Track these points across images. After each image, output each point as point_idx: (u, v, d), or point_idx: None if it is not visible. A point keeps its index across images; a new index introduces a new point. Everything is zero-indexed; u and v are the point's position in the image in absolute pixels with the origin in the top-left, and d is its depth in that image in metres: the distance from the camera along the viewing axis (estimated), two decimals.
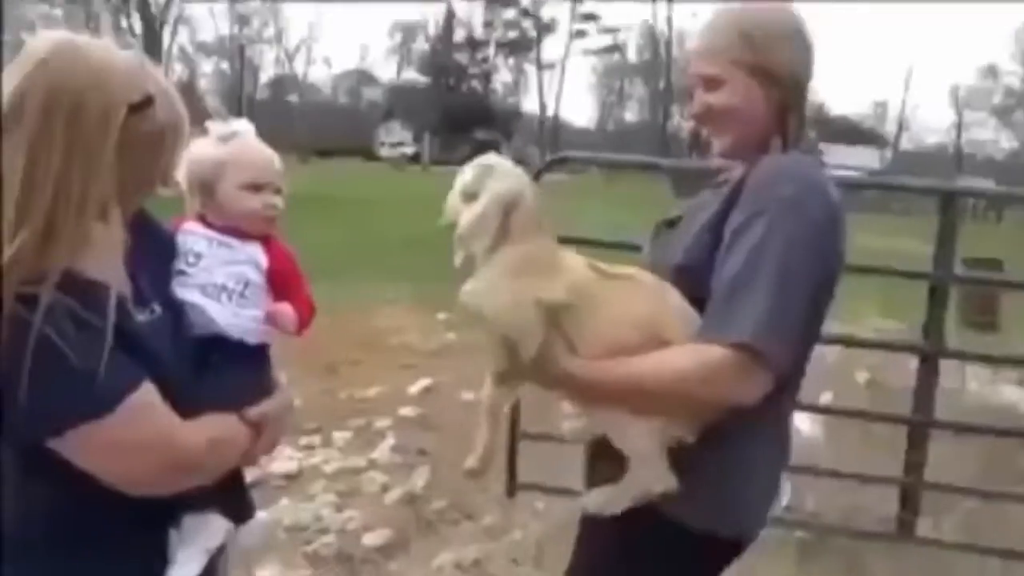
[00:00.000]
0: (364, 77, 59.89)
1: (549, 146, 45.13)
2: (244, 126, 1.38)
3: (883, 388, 5.69)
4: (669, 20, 50.99)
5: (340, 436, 4.24)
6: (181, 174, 1.33)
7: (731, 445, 1.31)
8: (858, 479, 3.29)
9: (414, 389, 5.14)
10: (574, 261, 1.30)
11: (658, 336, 1.26)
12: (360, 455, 3.98)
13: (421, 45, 56.72)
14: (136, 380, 1.04)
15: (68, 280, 0.99)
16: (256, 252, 1.33)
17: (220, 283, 1.27)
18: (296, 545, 3.03)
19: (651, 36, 52.55)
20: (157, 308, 1.16)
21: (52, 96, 0.99)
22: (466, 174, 1.30)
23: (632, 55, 55.80)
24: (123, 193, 1.09)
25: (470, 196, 1.27)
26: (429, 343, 6.42)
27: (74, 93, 1.00)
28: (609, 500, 1.33)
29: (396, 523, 3.23)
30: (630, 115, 56.34)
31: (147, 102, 1.07)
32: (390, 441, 4.15)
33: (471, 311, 1.26)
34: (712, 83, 1.37)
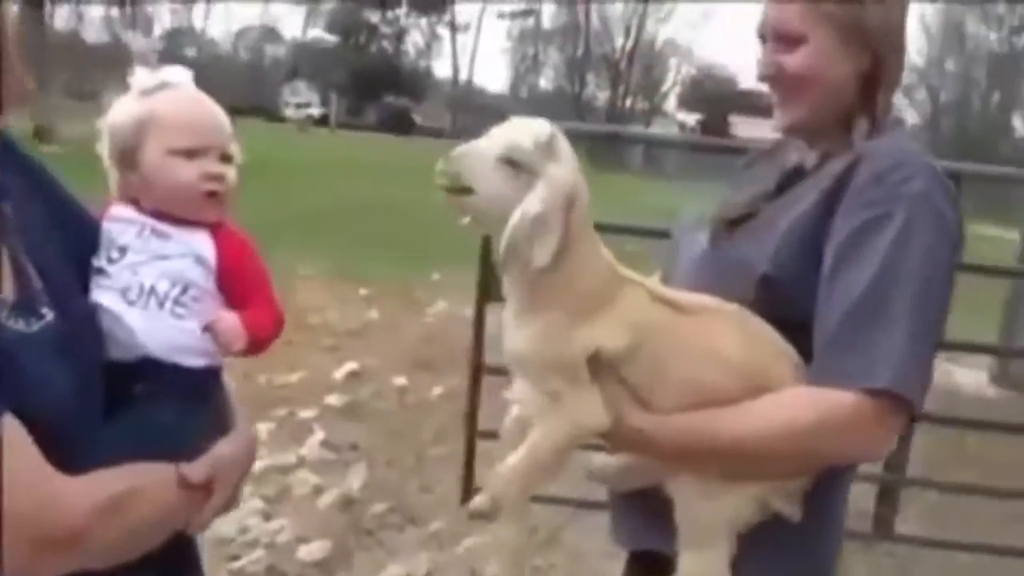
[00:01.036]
0: (267, 33, 57.27)
1: (461, 112, 44.41)
2: (178, 76, 1.06)
3: None
4: None
5: (263, 428, 3.82)
6: (102, 144, 1.04)
7: (817, 499, 1.06)
8: None
9: (339, 374, 4.77)
10: (634, 289, 1.00)
11: (758, 384, 0.99)
12: (287, 451, 3.60)
13: (328, 2, 54.53)
14: None
15: None
16: (200, 243, 1.02)
17: (148, 285, 0.97)
18: (220, 561, 2.65)
19: (567, 1, 52.15)
20: (50, 315, 0.84)
21: None
22: (518, 135, 0.93)
23: (547, 21, 55.27)
24: None
25: (513, 165, 0.92)
26: (351, 322, 6.04)
27: None
28: None
29: (333, 532, 2.90)
30: (545, 82, 56.00)
31: None
32: (318, 435, 3.79)
33: (526, 367, 0.98)
34: (790, 39, 1.10)
